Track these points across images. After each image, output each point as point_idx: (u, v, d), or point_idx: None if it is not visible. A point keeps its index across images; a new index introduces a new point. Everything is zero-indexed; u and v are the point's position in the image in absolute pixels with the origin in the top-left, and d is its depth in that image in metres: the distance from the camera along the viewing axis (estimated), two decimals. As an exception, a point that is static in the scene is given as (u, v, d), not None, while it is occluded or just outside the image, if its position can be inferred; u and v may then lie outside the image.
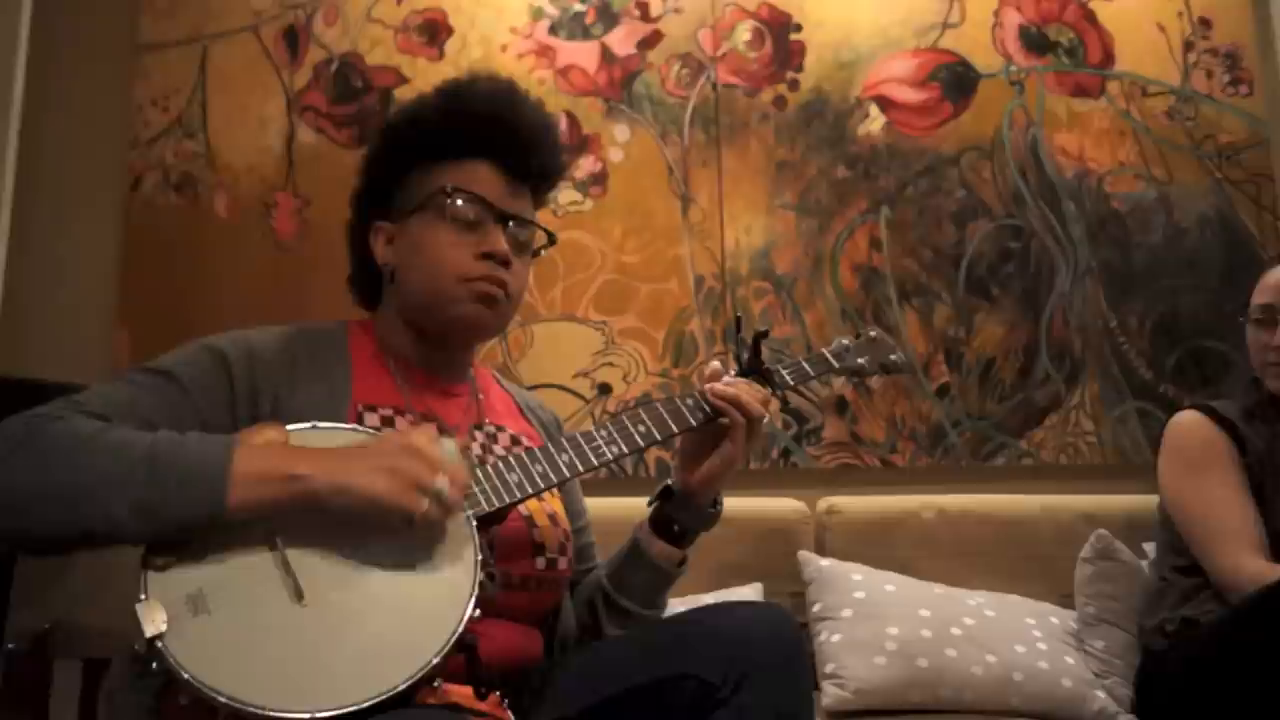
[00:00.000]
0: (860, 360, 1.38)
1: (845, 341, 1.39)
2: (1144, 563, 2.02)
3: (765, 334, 1.29)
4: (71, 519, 0.92)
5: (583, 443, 1.13)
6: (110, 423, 0.99)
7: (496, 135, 1.20)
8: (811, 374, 1.32)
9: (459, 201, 1.17)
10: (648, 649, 1.05)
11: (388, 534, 0.96)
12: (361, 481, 0.94)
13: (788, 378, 1.29)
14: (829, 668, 1.89)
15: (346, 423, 1.08)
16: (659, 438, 1.17)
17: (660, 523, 1.24)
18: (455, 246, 1.16)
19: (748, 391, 1.20)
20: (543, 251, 1.28)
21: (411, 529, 0.96)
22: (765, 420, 1.22)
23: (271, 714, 0.85)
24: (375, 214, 1.24)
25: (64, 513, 0.92)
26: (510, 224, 1.19)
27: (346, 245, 1.29)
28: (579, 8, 2.58)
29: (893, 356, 1.40)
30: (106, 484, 0.92)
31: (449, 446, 1.00)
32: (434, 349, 1.22)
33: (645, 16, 2.58)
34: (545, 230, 1.26)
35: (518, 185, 1.21)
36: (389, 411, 1.14)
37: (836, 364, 1.35)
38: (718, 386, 1.20)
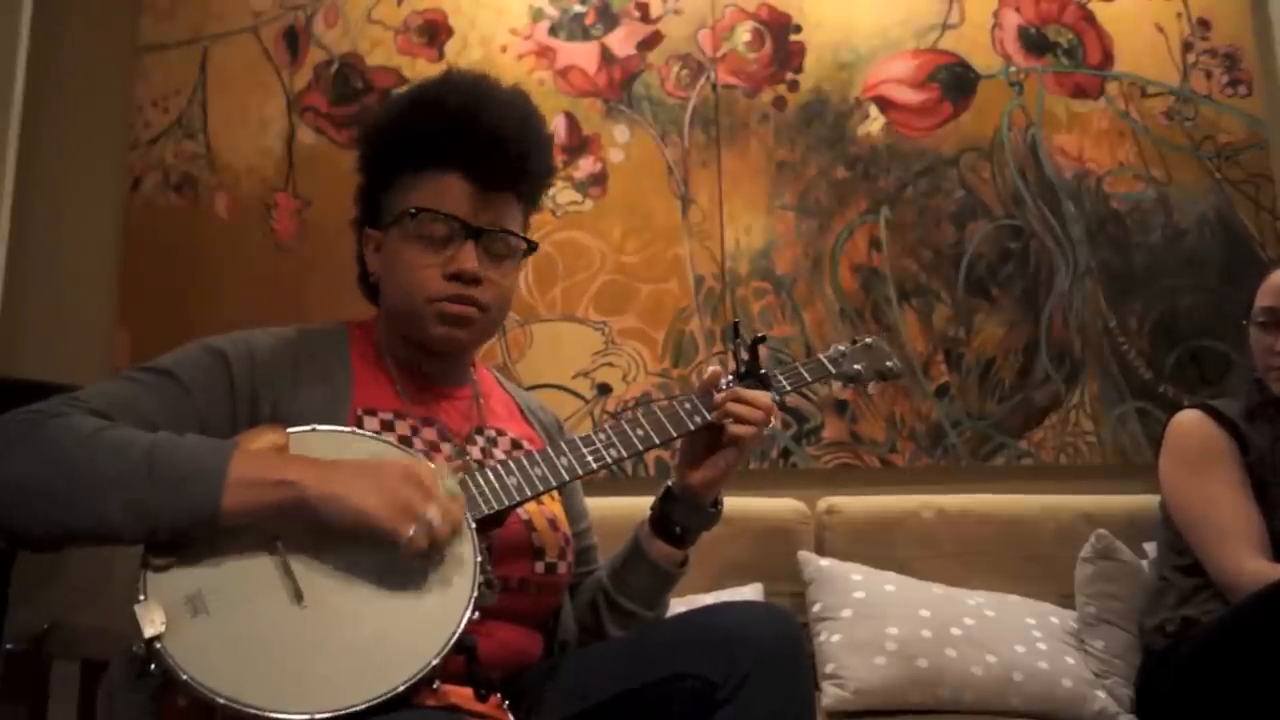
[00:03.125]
0: (856, 367, 1.37)
1: (842, 347, 1.39)
2: (1144, 563, 2.01)
3: (764, 339, 1.29)
4: (66, 517, 0.92)
5: (581, 446, 1.13)
6: (110, 421, 0.99)
7: (462, 145, 1.15)
8: (808, 379, 1.32)
9: (425, 221, 1.15)
10: (648, 649, 1.06)
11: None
12: (353, 496, 0.94)
13: (785, 383, 1.29)
14: (829, 668, 1.89)
15: (346, 426, 1.08)
16: (657, 442, 1.17)
17: (661, 523, 1.24)
18: (424, 268, 1.15)
19: (759, 400, 1.20)
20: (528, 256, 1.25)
21: (397, 552, 0.94)
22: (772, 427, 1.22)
23: (270, 715, 0.85)
24: (368, 219, 1.24)
25: (59, 510, 0.92)
26: (483, 238, 1.16)
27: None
28: (579, 9, 2.58)
29: (889, 364, 1.39)
30: (103, 483, 0.92)
31: (450, 484, 0.99)
32: (426, 355, 1.22)
33: (645, 17, 2.58)
34: (524, 239, 1.21)
35: (492, 193, 1.17)
36: (389, 415, 1.14)
37: (833, 370, 1.35)
38: (733, 406, 1.19)
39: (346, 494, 0.94)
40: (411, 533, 0.93)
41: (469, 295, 1.15)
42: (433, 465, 1.01)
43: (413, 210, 1.15)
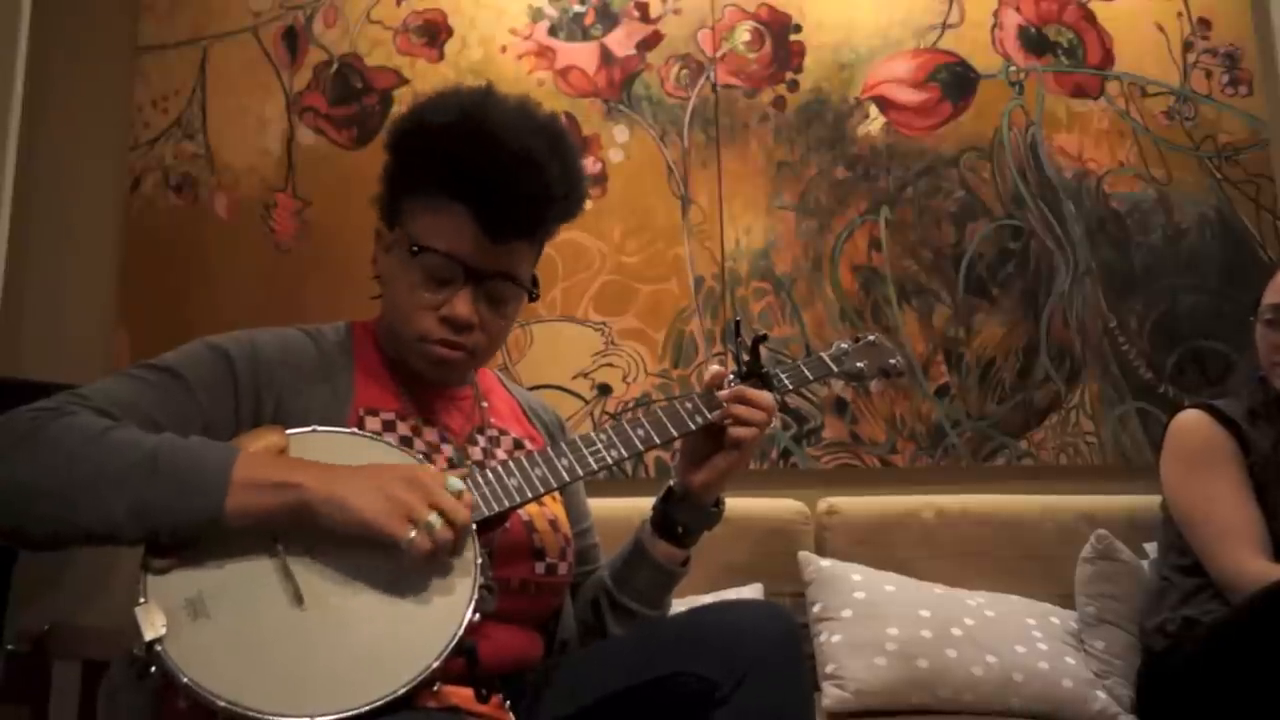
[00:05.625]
0: (859, 364, 1.36)
1: (844, 345, 1.38)
2: (1145, 563, 2.02)
3: (765, 338, 1.28)
4: (71, 517, 0.92)
5: (582, 446, 1.13)
6: (114, 420, 0.99)
7: (479, 190, 1.10)
8: (810, 378, 1.31)
9: (427, 259, 1.11)
10: (648, 647, 1.06)
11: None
12: (355, 499, 0.94)
13: (786, 381, 1.28)
14: (829, 668, 1.88)
15: (347, 426, 1.08)
16: (658, 442, 1.17)
17: (663, 523, 1.24)
18: (419, 307, 1.12)
19: (761, 400, 1.20)
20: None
21: (399, 555, 0.94)
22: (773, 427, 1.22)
23: (270, 718, 0.85)
24: (386, 209, 1.19)
25: (64, 510, 0.92)
26: (485, 283, 1.12)
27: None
28: (578, 9, 2.58)
29: (892, 361, 1.38)
30: (107, 483, 0.92)
31: (453, 485, 0.99)
32: None
33: (645, 17, 2.58)
34: (525, 289, 1.16)
35: (500, 235, 1.11)
36: (390, 416, 1.14)
37: (835, 368, 1.34)
38: (735, 406, 1.19)
39: (346, 497, 0.94)
40: (412, 536, 0.93)
41: (458, 341, 1.13)
42: (435, 469, 1.01)
43: (416, 246, 1.11)
